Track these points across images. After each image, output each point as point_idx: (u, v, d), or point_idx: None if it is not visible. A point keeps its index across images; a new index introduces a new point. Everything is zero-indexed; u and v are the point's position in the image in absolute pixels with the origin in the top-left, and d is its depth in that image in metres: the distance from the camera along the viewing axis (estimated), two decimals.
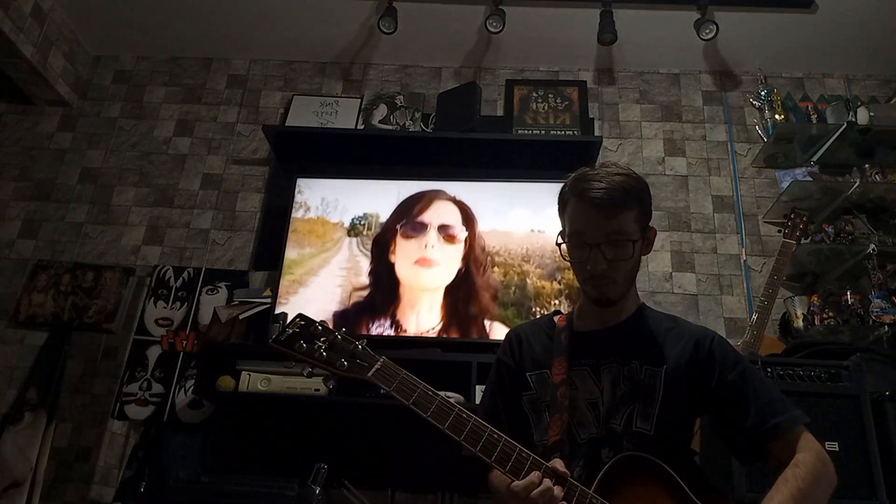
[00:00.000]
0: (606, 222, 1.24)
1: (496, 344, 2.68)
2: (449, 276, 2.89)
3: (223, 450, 2.74)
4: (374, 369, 1.19)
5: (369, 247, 2.98)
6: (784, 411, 1.22)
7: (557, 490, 1.10)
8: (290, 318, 1.26)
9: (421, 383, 1.19)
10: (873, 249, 2.83)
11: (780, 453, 1.21)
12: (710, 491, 1.24)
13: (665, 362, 1.27)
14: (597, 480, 1.15)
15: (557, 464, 1.14)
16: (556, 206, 1.36)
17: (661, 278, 3.10)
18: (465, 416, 1.16)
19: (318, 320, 1.24)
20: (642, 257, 1.33)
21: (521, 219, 3.00)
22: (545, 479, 1.10)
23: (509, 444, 1.15)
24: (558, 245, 1.34)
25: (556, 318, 1.43)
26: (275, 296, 2.89)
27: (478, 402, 2.36)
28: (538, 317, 1.47)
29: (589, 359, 1.31)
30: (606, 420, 1.25)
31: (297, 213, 3.05)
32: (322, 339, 1.21)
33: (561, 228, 1.35)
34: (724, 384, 1.25)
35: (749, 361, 1.30)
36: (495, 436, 1.15)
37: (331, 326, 1.25)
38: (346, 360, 1.19)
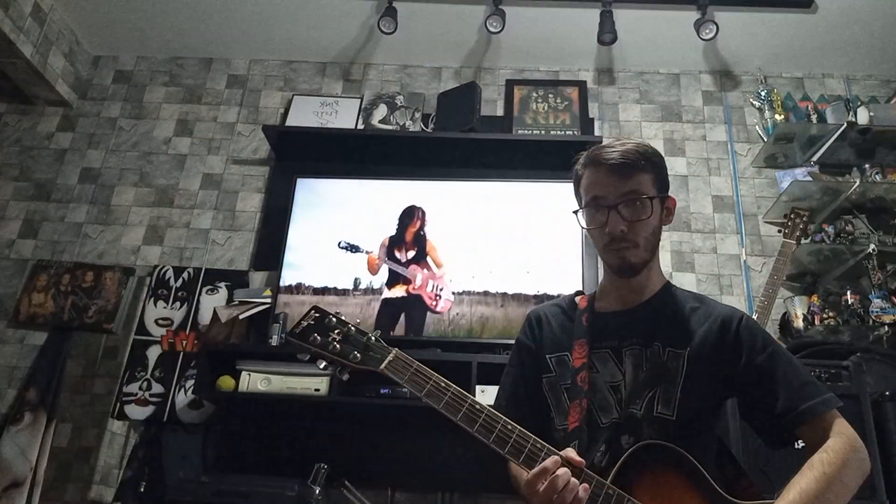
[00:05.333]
0: (622, 183, 1.25)
1: (496, 344, 2.73)
2: None
3: (223, 450, 2.74)
4: (386, 361, 1.18)
5: None
6: (815, 395, 1.18)
7: (574, 479, 1.08)
8: (305, 311, 1.25)
9: (434, 375, 1.18)
10: (873, 249, 2.83)
11: (811, 438, 1.17)
12: (740, 477, 1.22)
13: (689, 344, 1.24)
14: (614, 470, 1.13)
15: (572, 452, 1.12)
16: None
17: None
18: (478, 407, 1.15)
19: (332, 312, 1.24)
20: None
21: None
22: (561, 467, 1.08)
23: (523, 435, 1.13)
24: (575, 213, 1.34)
25: (577, 299, 1.40)
26: (275, 296, 2.89)
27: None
28: (559, 297, 1.46)
29: (611, 341, 1.28)
30: (627, 404, 1.22)
31: None
32: (336, 332, 1.21)
33: (577, 207, 1.35)
34: (752, 367, 1.21)
35: (779, 343, 1.26)
36: (509, 427, 1.13)
37: (344, 318, 1.24)
38: (358, 353, 1.19)
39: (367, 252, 2.97)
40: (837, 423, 1.17)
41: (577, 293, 1.43)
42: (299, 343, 1.20)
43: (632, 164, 1.25)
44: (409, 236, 3.01)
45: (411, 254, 2.98)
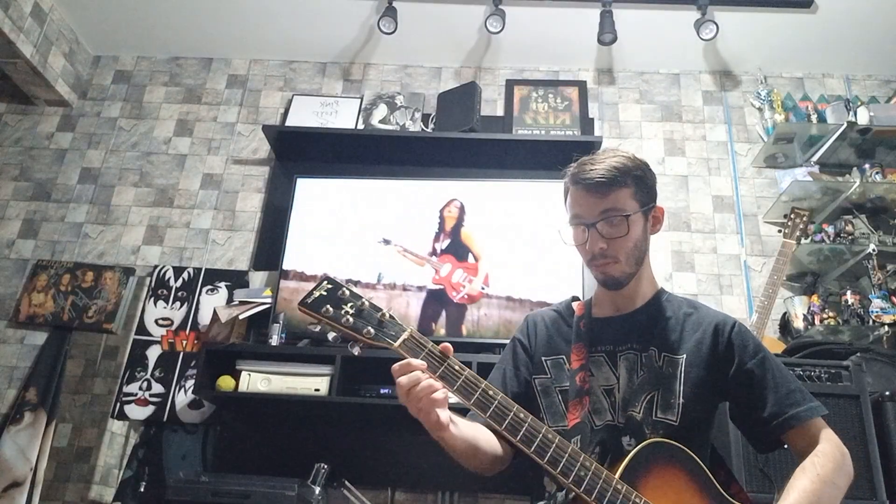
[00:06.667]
0: (599, 201, 1.27)
1: (496, 344, 2.72)
2: None
3: (223, 450, 2.74)
4: (401, 339, 1.12)
5: None
6: (802, 402, 1.22)
7: (432, 383, 1.09)
8: (317, 281, 1.19)
9: (448, 357, 1.14)
10: (873, 249, 2.83)
11: (797, 444, 1.22)
12: (731, 482, 1.24)
13: (684, 350, 1.27)
14: (622, 466, 1.14)
15: (445, 348, 1.13)
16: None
17: (661, 278, 3.09)
18: (491, 392, 1.12)
19: (344, 283, 1.17)
20: (651, 241, 1.33)
21: None
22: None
23: (535, 425, 1.12)
24: (559, 231, 1.35)
25: (574, 305, 1.42)
26: (275, 296, 2.89)
27: None
28: (556, 303, 1.47)
29: (605, 345, 1.31)
30: (624, 407, 1.24)
31: None
32: (349, 305, 1.13)
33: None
34: (742, 371, 1.24)
35: (769, 350, 1.29)
36: (521, 415, 1.12)
37: (357, 291, 1.17)
38: (372, 328, 1.12)
39: (396, 245, 2.98)
40: (825, 431, 1.21)
41: (574, 299, 1.45)
42: (311, 313, 1.13)
43: (608, 181, 1.26)
44: (447, 227, 3.02)
45: (446, 243, 2.98)
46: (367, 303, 1.15)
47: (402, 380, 1.08)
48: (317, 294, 1.14)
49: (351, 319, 1.12)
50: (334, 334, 1.14)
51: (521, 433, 1.11)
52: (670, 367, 1.25)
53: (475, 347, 2.71)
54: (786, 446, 1.25)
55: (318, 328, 1.14)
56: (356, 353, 1.14)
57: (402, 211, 3.06)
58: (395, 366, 1.09)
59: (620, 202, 1.27)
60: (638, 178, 1.30)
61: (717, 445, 1.34)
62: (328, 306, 1.13)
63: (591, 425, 1.24)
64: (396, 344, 1.12)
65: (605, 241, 1.25)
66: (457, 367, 1.13)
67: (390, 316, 1.15)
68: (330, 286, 1.16)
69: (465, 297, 2.86)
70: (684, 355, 1.26)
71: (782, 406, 1.21)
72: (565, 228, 1.34)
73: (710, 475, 1.17)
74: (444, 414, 1.12)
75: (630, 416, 1.23)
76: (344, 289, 1.16)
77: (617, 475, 1.13)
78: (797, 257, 2.91)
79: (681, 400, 1.22)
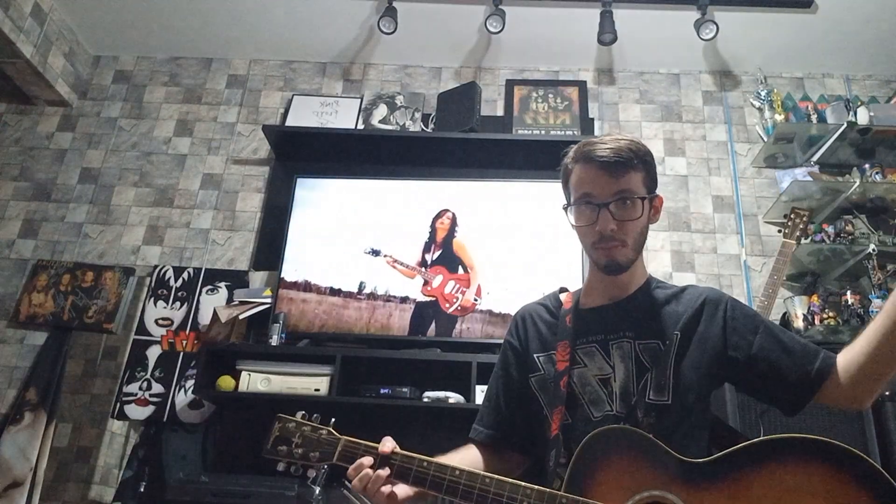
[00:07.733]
0: (614, 181, 1.25)
1: (496, 344, 2.72)
2: None
3: (223, 450, 2.74)
4: (335, 455, 1.21)
5: None
6: (818, 352, 1.21)
7: (379, 473, 1.17)
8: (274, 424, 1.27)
9: (382, 451, 1.21)
10: (873, 249, 2.83)
11: (834, 389, 1.19)
12: (738, 438, 1.23)
13: (678, 328, 1.26)
14: (568, 471, 1.13)
15: (386, 445, 1.22)
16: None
17: (660, 278, 3.09)
18: (425, 464, 1.18)
19: (291, 417, 1.25)
20: (648, 235, 1.33)
21: None
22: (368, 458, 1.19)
23: (470, 478, 1.15)
24: (564, 209, 1.32)
25: (562, 297, 1.40)
26: (275, 296, 2.89)
27: (478, 402, 2.36)
28: (545, 294, 1.46)
29: (597, 335, 1.29)
30: (624, 397, 1.22)
31: None
32: (297, 436, 1.23)
33: (564, 201, 1.34)
34: (752, 356, 1.22)
35: (763, 316, 1.30)
36: (455, 474, 1.16)
37: (300, 418, 1.25)
38: (316, 452, 1.21)
39: (385, 255, 2.96)
40: None
41: (562, 290, 1.43)
42: (274, 459, 1.22)
43: (624, 162, 1.25)
44: (438, 238, 3.00)
45: (437, 254, 2.96)
46: (308, 427, 1.23)
47: (355, 482, 1.18)
48: (273, 437, 1.23)
49: (300, 450, 1.22)
50: (313, 475, 1.24)
51: (460, 491, 1.14)
52: (664, 349, 1.25)
53: (476, 347, 2.71)
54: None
55: (280, 467, 1.23)
56: (317, 487, 1.25)
57: (401, 209, 3.06)
58: (349, 472, 1.19)
59: (634, 184, 1.26)
60: (647, 164, 1.30)
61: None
62: (283, 445, 1.22)
63: (588, 418, 1.23)
64: (334, 461, 1.21)
65: (615, 223, 1.23)
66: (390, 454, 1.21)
67: (327, 433, 1.23)
68: (279, 423, 1.24)
69: (459, 308, 2.85)
70: (677, 334, 1.25)
71: (804, 365, 1.20)
72: (570, 209, 1.31)
73: (668, 448, 1.13)
74: (398, 489, 1.19)
75: (632, 405, 1.22)
76: (289, 421, 1.24)
77: (562, 489, 1.12)
78: (797, 257, 2.91)
79: (671, 380, 1.21)
